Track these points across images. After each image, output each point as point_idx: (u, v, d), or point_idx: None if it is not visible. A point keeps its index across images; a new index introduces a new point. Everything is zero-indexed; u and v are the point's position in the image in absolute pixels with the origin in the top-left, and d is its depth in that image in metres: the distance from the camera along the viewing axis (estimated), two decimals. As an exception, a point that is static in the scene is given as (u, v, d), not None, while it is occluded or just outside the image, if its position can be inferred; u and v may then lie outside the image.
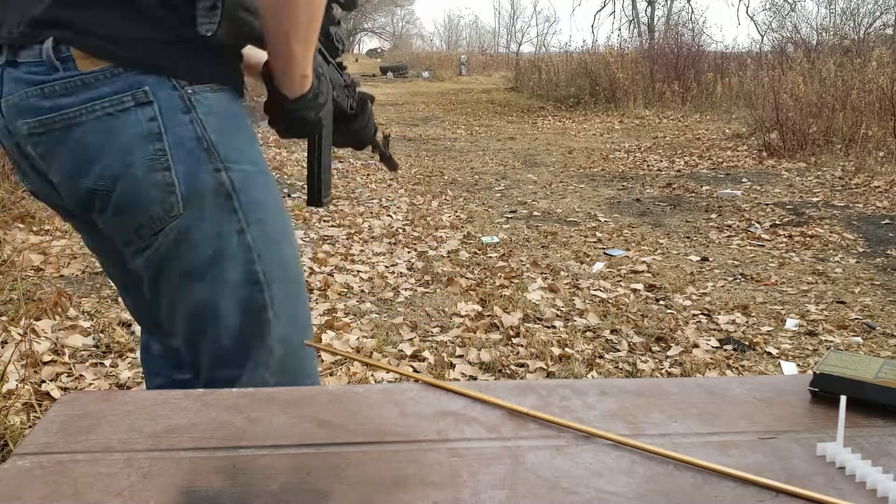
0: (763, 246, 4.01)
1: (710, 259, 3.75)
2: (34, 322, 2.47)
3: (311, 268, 3.37)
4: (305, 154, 1.05)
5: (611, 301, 3.07)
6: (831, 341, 2.68)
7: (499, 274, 3.40)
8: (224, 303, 0.93)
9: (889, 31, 15.88)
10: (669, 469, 0.58)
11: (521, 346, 2.58)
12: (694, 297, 3.16)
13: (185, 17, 0.86)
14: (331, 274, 3.31)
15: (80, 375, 2.20)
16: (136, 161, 0.85)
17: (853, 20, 19.07)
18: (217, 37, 0.88)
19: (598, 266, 3.59)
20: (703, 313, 2.96)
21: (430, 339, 2.64)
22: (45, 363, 2.24)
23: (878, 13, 18.91)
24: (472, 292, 3.14)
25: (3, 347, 2.28)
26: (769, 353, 2.57)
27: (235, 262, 0.92)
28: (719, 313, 2.95)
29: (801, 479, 0.57)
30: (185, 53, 0.87)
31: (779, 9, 24.32)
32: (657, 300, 3.11)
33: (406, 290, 3.17)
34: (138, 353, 2.06)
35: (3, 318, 2.51)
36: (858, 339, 2.69)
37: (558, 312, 2.93)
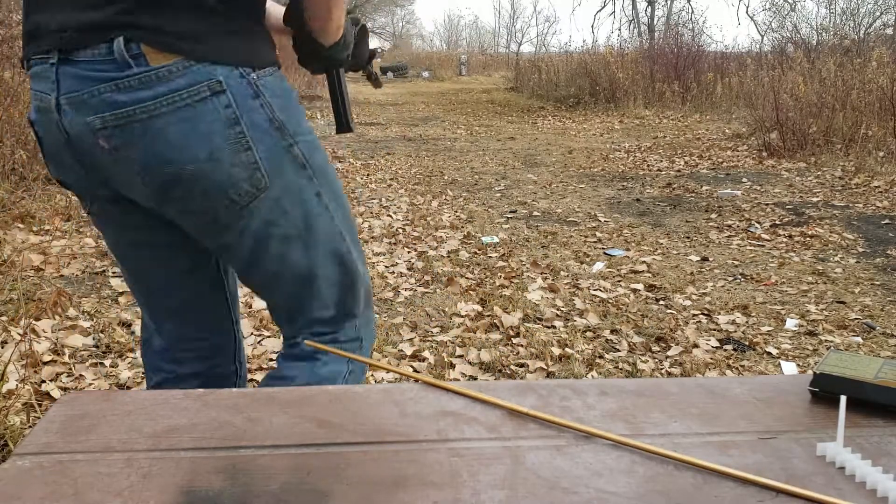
0: (763, 246, 4.01)
1: (710, 259, 3.75)
2: (34, 322, 2.47)
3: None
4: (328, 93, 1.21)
5: (611, 301, 3.07)
6: (831, 341, 2.68)
7: (499, 274, 3.40)
8: (321, 258, 1.07)
9: (889, 31, 15.88)
10: (669, 469, 0.58)
11: (521, 346, 2.58)
12: (694, 297, 3.16)
13: (243, 8, 0.97)
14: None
15: (80, 375, 2.20)
16: (219, 145, 0.94)
17: (853, 20, 19.09)
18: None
19: (598, 266, 3.59)
20: (703, 313, 2.96)
21: (430, 339, 2.64)
22: (45, 363, 2.24)
23: (878, 13, 18.92)
24: (472, 292, 3.14)
25: (3, 347, 2.28)
26: (769, 353, 2.57)
27: (321, 221, 1.06)
28: (719, 313, 2.95)
29: (801, 479, 0.57)
30: (246, 42, 0.97)
31: (779, 9, 24.34)
32: (657, 300, 3.11)
33: (406, 290, 3.17)
34: (138, 353, 2.06)
35: (3, 318, 2.51)
36: (858, 339, 2.69)
37: (558, 312, 2.93)
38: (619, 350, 2.59)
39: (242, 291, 2.98)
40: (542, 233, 4.25)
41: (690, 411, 0.69)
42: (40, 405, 1.99)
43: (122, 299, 2.84)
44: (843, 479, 0.57)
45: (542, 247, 3.96)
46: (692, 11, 33.90)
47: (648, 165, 6.81)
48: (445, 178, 6.13)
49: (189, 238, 1.08)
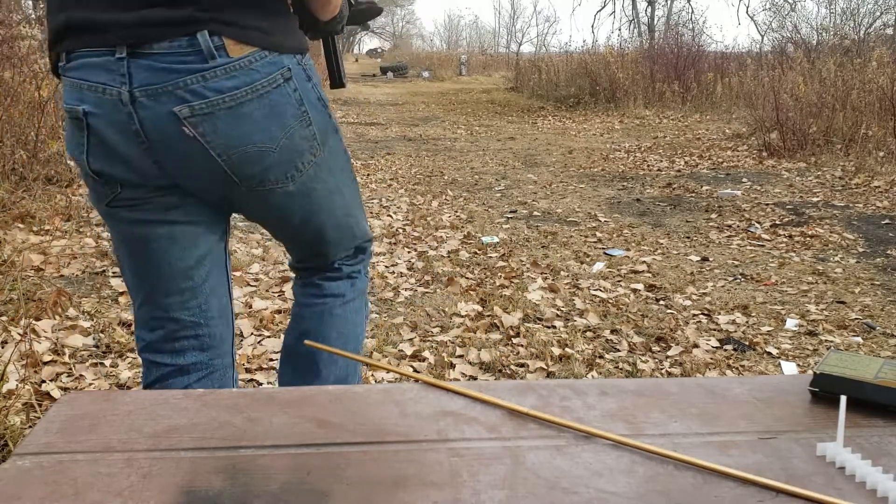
0: (763, 246, 4.01)
1: (710, 259, 3.75)
2: (34, 322, 2.47)
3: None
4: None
5: (611, 301, 3.07)
6: (831, 341, 2.68)
7: (499, 274, 3.40)
8: (354, 203, 1.30)
9: (889, 31, 15.88)
10: (669, 469, 0.58)
11: (521, 346, 2.58)
12: (694, 297, 3.16)
13: (304, 17, 1.16)
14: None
15: (80, 375, 2.20)
16: (291, 124, 1.09)
17: (853, 20, 19.09)
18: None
19: (598, 266, 3.59)
20: (703, 313, 2.96)
21: (430, 339, 2.64)
22: (45, 363, 2.24)
23: (878, 13, 18.93)
24: (472, 292, 3.14)
25: (3, 347, 2.28)
26: (769, 353, 2.57)
27: (350, 171, 1.29)
28: (719, 313, 2.95)
29: (801, 479, 0.57)
30: (294, 32, 1.12)
31: (779, 9, 24.35)
32: (657, 300, 3.11)
33: (406, 290, 3.17)
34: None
35: (3, 318, 2.51)
36: (858, 339, 2.69)
37: (558, 312, 2.93)
38: (619, 350, 2.59)
39: (242, 292, 2.97)
40: (542, 233, 4.25)
41: (690, 411, 0.69)
42: (40, 405, 1.99)
43: (122, 299, 2.84)
44: (843, 479, 0.57)
45: (542, 247, 3.96)
46: (692, 11, 33.92)
47: (648, 165, 6.81)
48: (445, 178, 6.13)
49: (210, 223, 1.20)
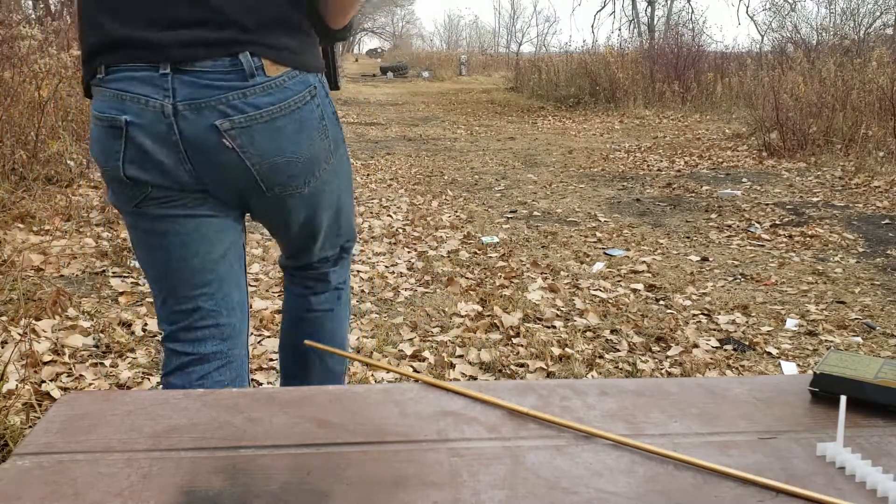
0: (763, 246, 4.01)
1: (710, 259, 3.75)
2: (34, 322, 2.47)
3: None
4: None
5: (611, 301, 3.07)
6: (831, 341, 2.68)
7: (499, 274, 3.40)
8: (349, 203, 1.42)
9: (889, 31, 15.88)
10: (669, 469, 0.58)
11: (521, 346, 2.58)
12: (694, 297, 3.16)
13: (318, 27, 1.22)
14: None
15: (80, 375, 2.20)
16: (314, 136, 1.21)
17: (853, 20, 19.09)
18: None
19: (598, 266, 3.59)
20: (703, 313, 2.96)
21: (430, 339, 2.64)
22: (45, 363, 2.24)
23: (878, 13, 18.93)
24: (472, 292, 3.13)
25: (3, 347, 2.28)
26: (769, 353, 2.57)
27: (350, 174, 1.39)
28: (719, 313, 2.95)
29: (801, 479, 0.57)
30: (316, 51, 1.23)
31: (779, 9, 24.35)
32: (657, 300, 3.11)
33: (406, 290, 3.17)
34: (138, 353, 2.08)
35: (3, 318, 2.51)
36: (858, 339, 2.69)
37: (558, 312, 2.93)
38: (619, 350, 2.59)
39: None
40: (542, 233, 4.25)
41: (690, 411, 0.69)
42: (40, 405, 1.99)
43: (122, 299, 2.84)
44: (843, 479, 0.57)
45: (542, 247, 3.96)
46: (692, 11, 33.94)
47: (648, 165, 6.81)
48: (445, 178, 6.13)
49: (232, 219, 1.28)
